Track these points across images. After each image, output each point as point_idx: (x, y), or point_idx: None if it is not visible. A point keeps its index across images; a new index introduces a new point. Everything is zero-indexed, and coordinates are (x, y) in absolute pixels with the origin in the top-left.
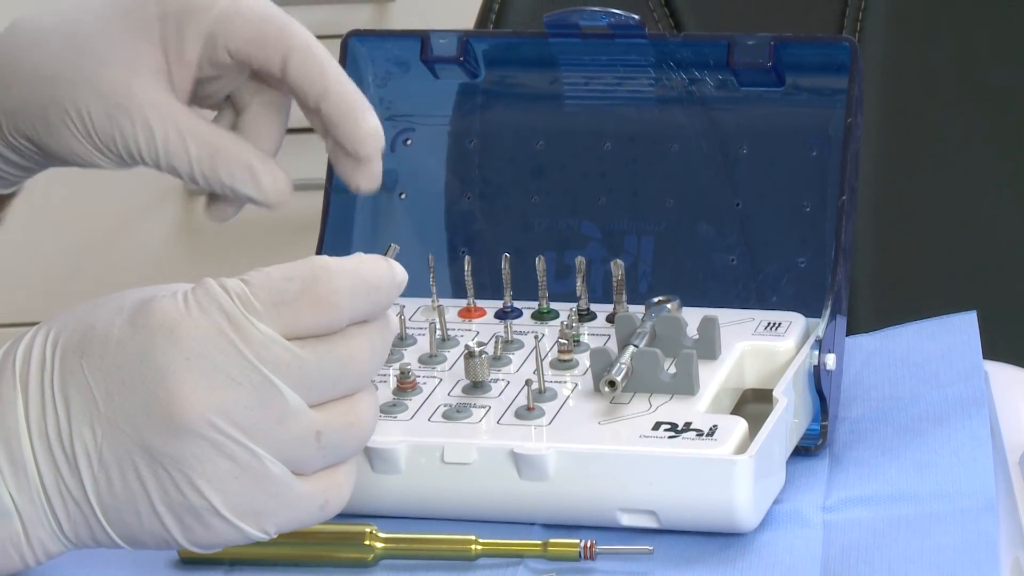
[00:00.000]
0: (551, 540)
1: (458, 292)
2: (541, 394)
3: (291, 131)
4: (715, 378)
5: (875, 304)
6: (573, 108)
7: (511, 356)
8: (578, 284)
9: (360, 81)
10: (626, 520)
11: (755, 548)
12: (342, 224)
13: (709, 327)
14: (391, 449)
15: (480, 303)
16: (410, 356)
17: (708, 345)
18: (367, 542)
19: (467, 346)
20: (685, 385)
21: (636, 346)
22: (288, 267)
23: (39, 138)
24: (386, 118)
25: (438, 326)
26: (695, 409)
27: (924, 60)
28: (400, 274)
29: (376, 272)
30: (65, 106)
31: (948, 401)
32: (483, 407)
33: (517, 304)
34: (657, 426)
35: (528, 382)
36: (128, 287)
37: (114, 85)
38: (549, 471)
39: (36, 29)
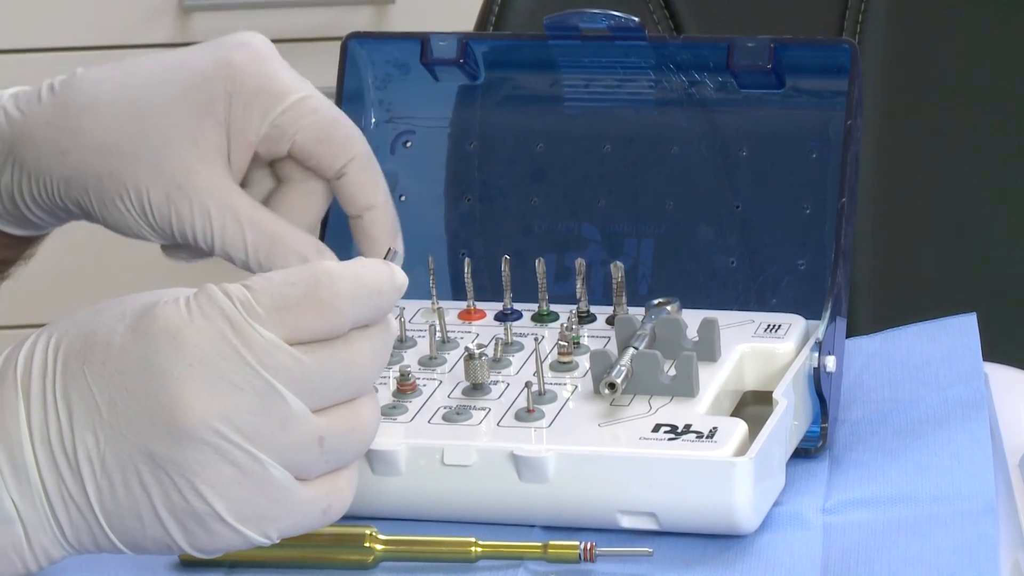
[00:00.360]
0: (551, 542)
1: (458, 294)
2: (541, 396)
3: None
4: (715, 380)
5: (875, 306)
6: (573, 110)
7: (511, 358)
8: (578, 286)
9: (360, 83)
10: (626, 522)
11: (755, 550)
12: (342, 228)
13: (709, 329)
14: (391, 451)
15: (480, 305)
16: (410, 358)
17: (708, 347)
18: (367, 544)
19: (467, 348)
20: (685, 387)
21: (636, 348)
22: (290, 272)
23: (90, 206)
24: (386, 120)
25: (438, 328)
26: (695, 411)
27: (924, 62)
28: (401, 278)
29: (377, 276)
30: (124, 181)
31: (948, 403)
32: (483, 409)
33: (517, 306)
34: (657, 428)
35: (528, 384)
36: (130, 288)
37: (176, 166)
38: (549, 473)
39: (97, 90)
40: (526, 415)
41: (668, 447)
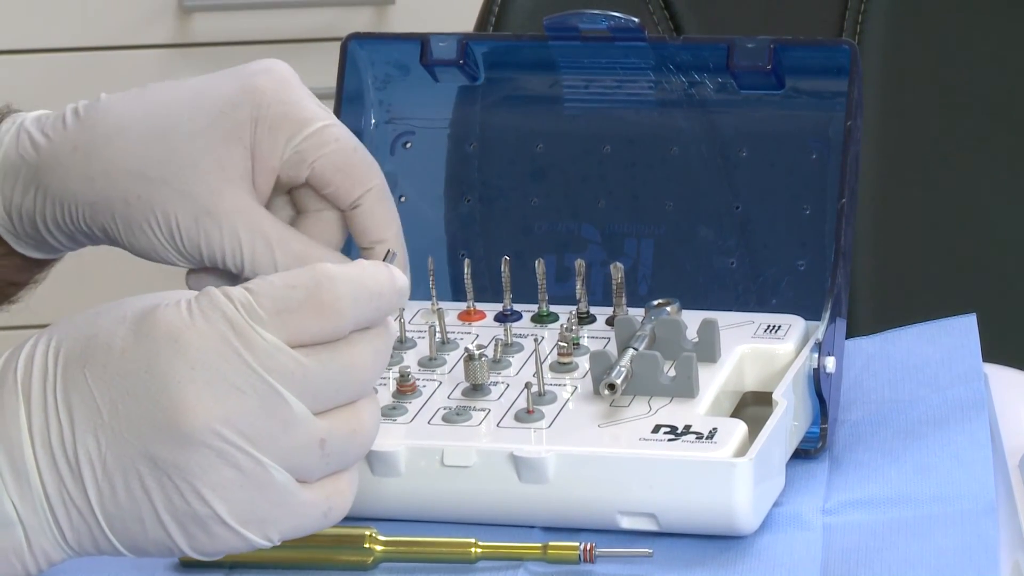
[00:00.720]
0: (551, 543)
1: (458, 295)
2: (541, 397)
3: None
4: (715, 381)
5: (875, 307)
6: (573, 111)
7: (511, 359)
8: (578, 287)
9: (360, 84)
10: (626, 523)
11: (755, 551)
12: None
13: (709, 330)
14: (391, 452)
15: (480, 306)
16: (410, 359)
17: (708, 348)
18: (367, 545)
19: (467, 349)
20: (685, 388)
21: (636, 349)
22: (291, 275)
23: (116, 232)
24: (386, 121)
25: (438, 329)
26: (695, 412)
27: (924, 63)
28: (401, 280)
29: (378, 279)
30: (152, 206)
31: (948, 404)
32: (483, 410)
33: (517, 307)
34: (657, 429)
35: (528, 385)
36: (130, 289)
37: (204, 191)
38: (549, 474)
39: (123, 116)
40: (526, 416)
41: (668, 448)
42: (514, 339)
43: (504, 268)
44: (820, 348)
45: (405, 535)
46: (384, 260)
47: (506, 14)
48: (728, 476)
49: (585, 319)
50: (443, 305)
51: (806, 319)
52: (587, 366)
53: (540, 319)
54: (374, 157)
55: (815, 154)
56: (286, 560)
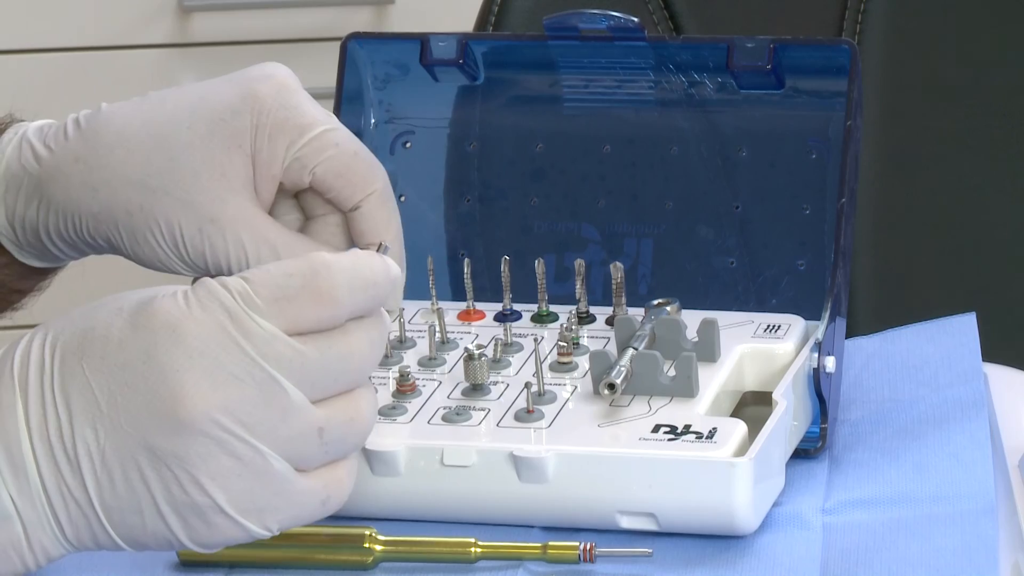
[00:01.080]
0: (550, 543)
1: (457, 295)
2: (541, 397)
3: None
4: (715, 381)
5: (874, 306)
6: (573, 111)
7: (510, 359)
8: (577, 287)
9: (359, 83)
10: (625, 523)
11: (754, 550)
12: None
13: (708, 330)
14: (390, 452)
15: (479, 306)
16: (409, 359)
17: (707, 348)
18: (366, 544)
19: (466, 349)
20: (685, 388)
21: (636, 349)
22: (287, 264)
23: (120, 242)
24: (385, 121)
25: (437, 329)
26: (695, 412)
27: (923, 62)
28: (394, 270)
29: (373, 268)
30: (155, 216)
31: (947, 403)
32: (482, 410)
33: (516, 307)
34: (657, 429)
35: (528, 385)
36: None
37: (207, 199)
38: (548, 473)
39: (124, 126)
40: (526, 416)
41: (668, 448)
42: (514, 339)
43: (504, 268)
44: (820, 348)
45: (405, 535)
46: (378, 252)
47: (506, 14)
48: (728, 476)
49: (585, 319)
50: (443, 305)
51: (806, 319)
52: (587, 366)
53: (540, 319)
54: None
55: (815, 154)
56: (286, 560)
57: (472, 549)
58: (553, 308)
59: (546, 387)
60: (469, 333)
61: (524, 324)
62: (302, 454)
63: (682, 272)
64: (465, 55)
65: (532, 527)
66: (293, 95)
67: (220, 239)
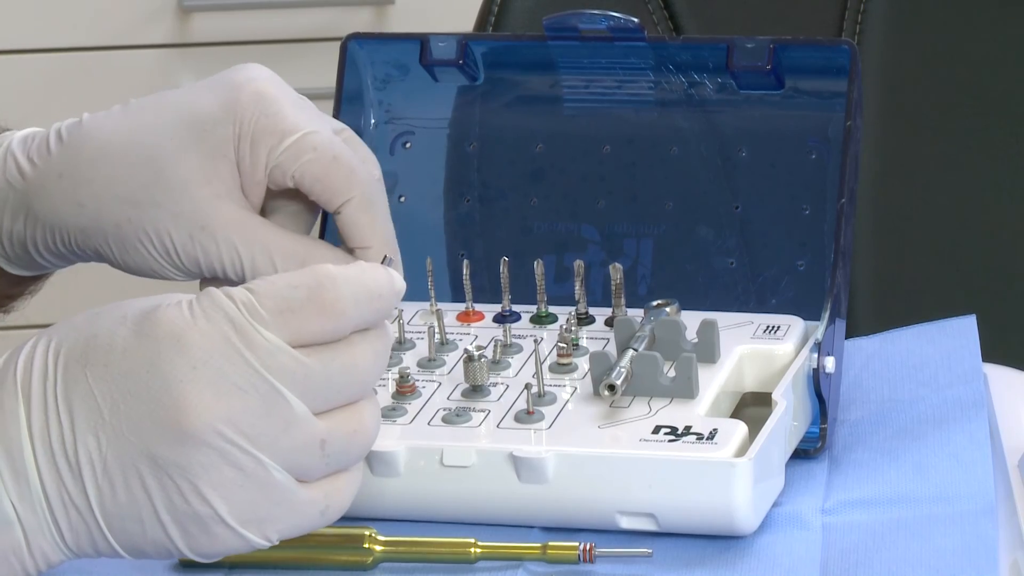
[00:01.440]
0: (550, 543)
1: (457, 296)
2: (540, 398)
3: None
4: (714, 381)
5: (874, 307)
6: (572, 111)
7: (510, 360)
8: (577, 288)
9: (359, 84)
10: (625, 523)
11: (754, 551)
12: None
13: (708, 330)
14: (390, 452)
15: (479, 307)
16: (409, 360)
17: (707, 348)
18: (366, 545)
19: (466, 350)
20: (684, 389)
21: (635, 350)
22: (292, 275)
23: (110, 253)
24: (385, 121)
25: (437, 330)
26: (695, 413)
27: (923, 63)
28: (399, 282)
29: (378, 280)
30: (145, 228)
31: (947, 404)
32: (482, 411)
33: (516, 308)
34: (657, 430)
35: (527, 386)
36: (130, 288)
37: (195, 208)
38: (548, 474)
39: (106, 140)
40: (526, 417)
41: (668, 448)
42: (513, 340)
43: (503, 269)
44: (819, 348)
45: (405, 535)
46: (382, 263)
47: (506, 14)
48: (728, 476)
49: (584, 320)
50: (442, 306)
51: (805, 319)
52: (587, 367)
53: (539, 320)
54: (374, 157)
55: (815, 154)
56: (286, 560)
57: (472, 549)
58: (552, 309)
59: (546, 388)
60: (468, 334)
61: (523, 325)
62: (304, 465)
63: (682, 273)
64: (465, 55)
65: (532, 527)
66: (273, 100)
67: (212, 245)
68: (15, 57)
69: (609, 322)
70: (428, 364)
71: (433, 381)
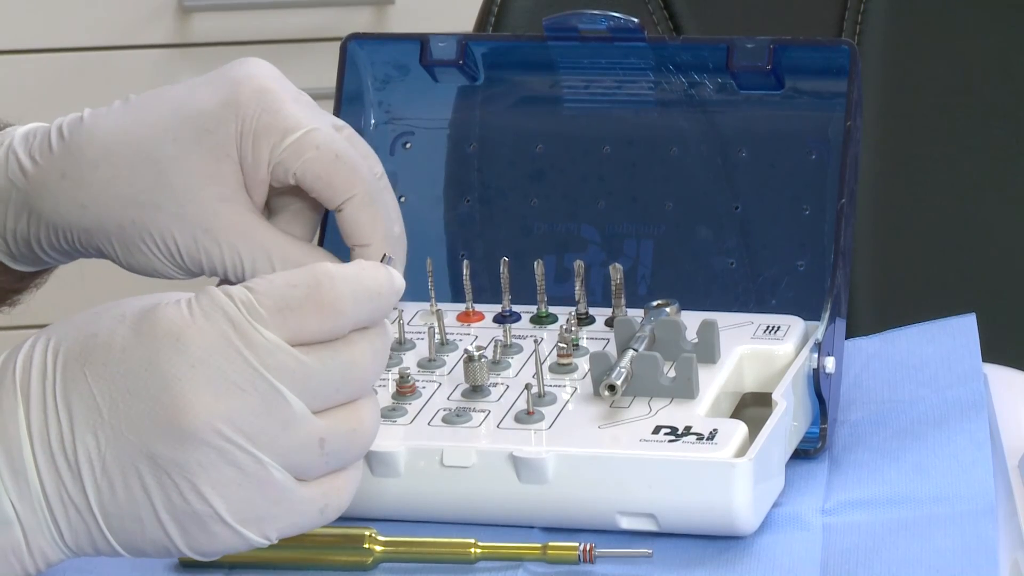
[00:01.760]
0: (550, 543)
1: (457, 296)
2: (540, 398)
3: None
4: (715, 382)
5: (874, 307)
6: (572, 111)
7: (510, 360)
8: (577, 288)
9: (359, 84)
10: (625, 523)
11: (754, 551)
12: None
13: (708, 331)
14: (390, 453)
15: (479, 307)
16: (409, 360)
17: (707, 349)
18: (366, 545)
19: (466, 350)
20: (685, 389)
21: (635, 350)
22: (291, 274)
23: (113, 252)
24: (385, 121)
25: (437, 330)
26: (695, 413)
27: (923, 63)
28: (399, 281)
29: (377, 279)
30: (149, 230)
31: (947, 404)
32: (482, 411)
33: (516, 308)
34: (657, 430)
35: (528, 386)
36: (132, 286)
37: (199, 211)
38: (548, 474)
39: (108, 140)
40: (526, 417)
41: (668, 449)
42: (513, 340)
43: (503, 269)
44: (820, 348)
45: (405, 535)
46: (382, 262)
47: (505, 14)
48: (728, 476)
49: (584, 320)
50: (442, 306)
51: (806, 319)
52: (587, 367)
53: (539, 320)
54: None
55: (815, 154)
56: (286, 560)
57: (472, 550)
58: (552, 309)
59: (546, 389)
60: (468, 334)
61: (524, 325)
62: (303, 464)
63: (682, 273)
64: (465, 56)
65: (532, 528)
66: (275, 97)
67: (215, 247)
68: (15, 57)
69: (609, 322)
70: (428, 364)
71: (433, 381)
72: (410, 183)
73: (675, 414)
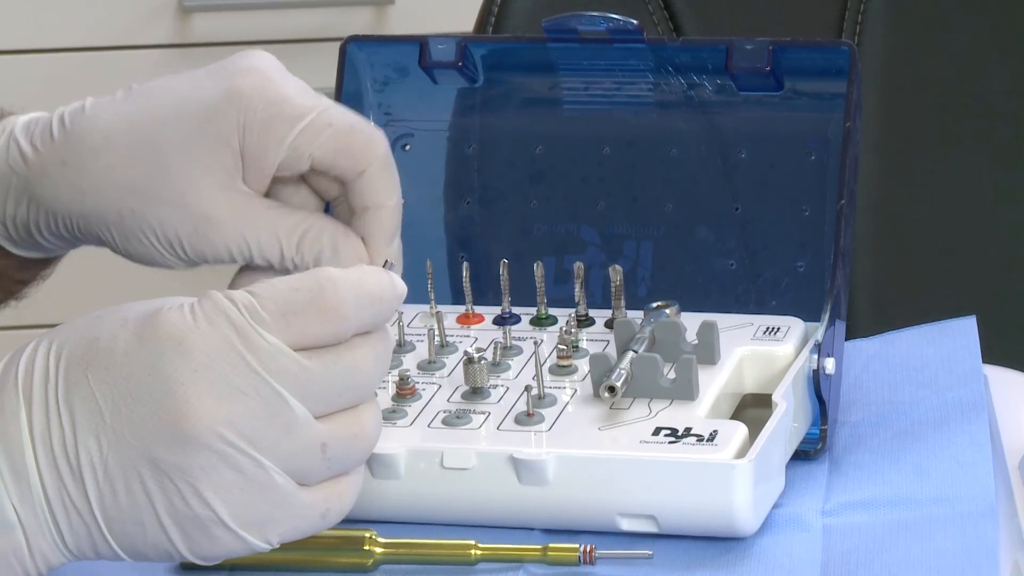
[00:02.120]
0: (551, 545)
1: (457, 298)
2: (541, 400)
3: None
4: (715, 383)
5: (874, 308)
6: (572, 113)
7: (510, 362)
8: (577, 289)
9: (359, 86)
10: (626, 525)
11: (754, 552)
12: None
13: (708, 332)
14: (391, 454)
15: (479, 309)
16: (409, 362)
17: (707, 350)
18: (367, 547)
19: (466, 352)
20: (685, 390)
21: (635, 351)
22: (293, 279)
23: (112, 241)
24: (385, 123)
25: (437, 332)
26: (695, 414)
27: (923, 64)
28: (400, 286)
29: (379, 284)
30: (148, 220)
31: (948, 405)
32: (483, 413)
33: (516, 310)
34: (657, 431)
35: (527, 388)
36: (131, 293)
37: (199, 199)
38: (549, 476)
39: (109, 128)
40: (526, 419)
41: (668, 450)
42: (513, 342)
43: (503, 271)
44: (820, 349)
45: (405, 537)
46: (384, 268)
47: (505, 16)
48: (728, 478)
49: (584, 322)
50: (442, 308)
51: (805, 320)
52: (587, 369)
53: (539, 322)
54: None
55: (814, 155)
56: (286, 562)
57: (472, 551)
58: (552, 311)
59: (546, 390)
60: (468, 336)
61: (523, 327)
62: (305, 469)
63: (681, 274)
64: (464, 57)
65: (532, 529)
66: (278, 87)
67: (218, 235)
68: (15, 57)
69: (609, 324)
70: (428, 366)
71: (433, 383)
72: (410, 185)
73: (675, 415)
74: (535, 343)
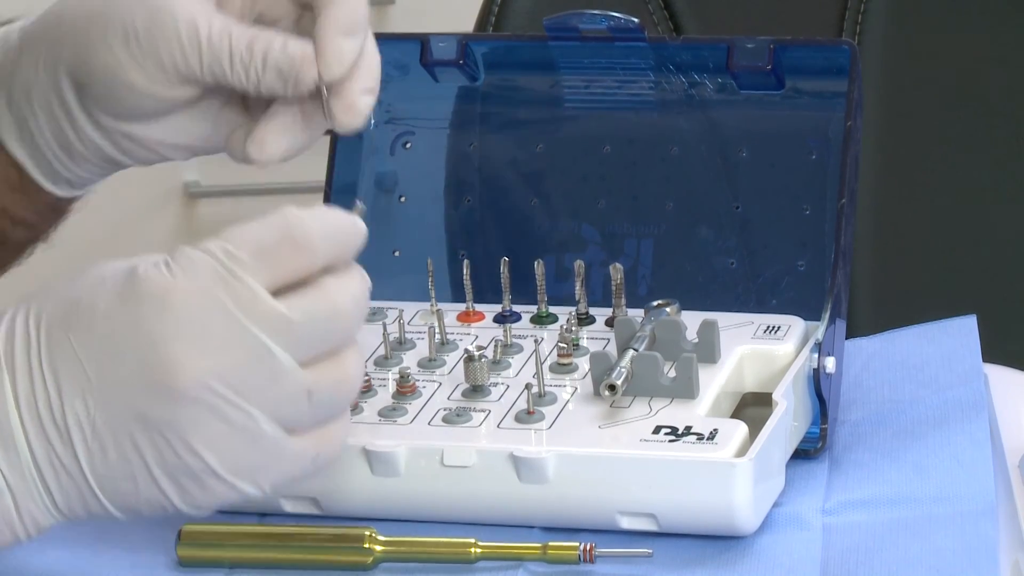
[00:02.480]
0: (550, 543)
1: (457, 296)
2: (541, 398)
3: None
4: (715, 382)
5: (875, 307)
6: (573, 111)
7: (510, 360)
8: (577, 288)
9: None
10: (626, 523)
11: (755, 551)
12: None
13: (709, 331)
14: (391, 452)
15: (479, 307)
16: (409, 360)
17: (708, 349)
18: (366, 545)
19: (466, 350)
20: (685, 389)
21: (636, 350)
22: (260, 221)
23: (91, 82)
24: (386, 121)
25: (437, 330)
26: (695, 413)
27: (923, 63)
28: (360, 224)
29: (340, 218)
30: (110, 21)
31: (948, 404)
32: (483, 411)
33: (516, 308)
34: (657, 430)
35: (528, 386)
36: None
37: None
38: (549, 474)
39: None
40: (526, 417)
41: (668, 449)
42: (514, 340)
43: (503, 269)
44: (820, 348)
45: (405, 535)
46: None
47: (506, 14)
48: (728, 476)
49: (584, 320)
50: (442, 306)
51: (806, 319)
52: (587, 367)
53: (539, 320)
54: (374, 158)
55: (815, 154)
56: (286, 560)
57: (472, 549)
58: (553, 309)
59: (546, 388)
60: (469, 334)
61: (524, 325)
62: (292, 416)
63: (682, 273)
64: (465, 55)
65: (532, 527)
66: None
67: (170, 20)
68: None
69: (609, 322)
70: (428, 364)
71: (433, 381)
72: (410, 183)
73: (675, 414)
74: (535, 341)
